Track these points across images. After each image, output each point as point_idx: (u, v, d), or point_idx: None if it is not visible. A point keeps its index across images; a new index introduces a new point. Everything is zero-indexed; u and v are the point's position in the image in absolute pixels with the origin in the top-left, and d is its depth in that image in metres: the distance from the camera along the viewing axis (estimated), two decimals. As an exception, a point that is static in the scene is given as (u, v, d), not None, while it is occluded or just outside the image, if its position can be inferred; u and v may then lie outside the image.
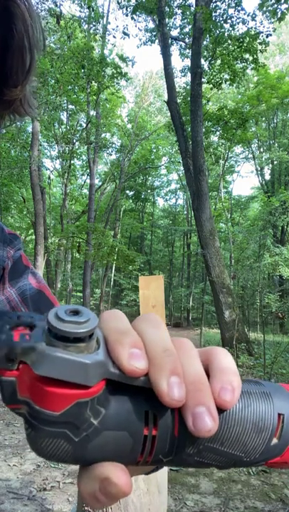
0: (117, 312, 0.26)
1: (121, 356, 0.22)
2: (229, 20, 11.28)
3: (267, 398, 0.25)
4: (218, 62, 12.17)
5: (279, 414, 0.25)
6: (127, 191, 27.02)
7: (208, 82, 12.37)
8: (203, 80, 11.04)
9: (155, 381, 0.22)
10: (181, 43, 13.88)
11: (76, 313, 0.21)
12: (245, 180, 62.37)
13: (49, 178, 21.60)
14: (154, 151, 26.13)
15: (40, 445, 0.21)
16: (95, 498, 0.22)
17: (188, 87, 13.33)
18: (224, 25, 11.30)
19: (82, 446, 0.21)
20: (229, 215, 22.77)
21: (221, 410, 0.23)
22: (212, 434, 0.21)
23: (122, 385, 0.22)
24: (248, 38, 10.93)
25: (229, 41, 11.34)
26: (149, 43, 14.50)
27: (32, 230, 20.02)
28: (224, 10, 11.20)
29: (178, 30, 14.00)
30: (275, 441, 0.25)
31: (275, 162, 22.78)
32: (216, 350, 0.26)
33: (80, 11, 12.92)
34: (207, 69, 12.17)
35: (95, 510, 1.33)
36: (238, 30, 11.35)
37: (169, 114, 13.44)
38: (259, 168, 24.36)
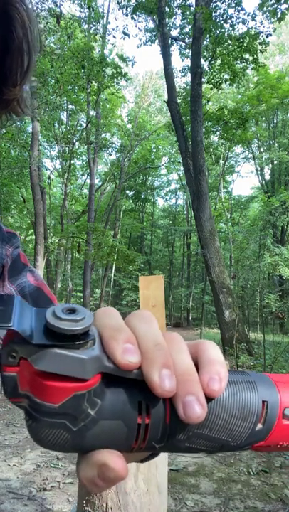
0: (111, 309, 0.28)
1: (115, 351, 0.23)
2: (229, 20, 11.28)
3: (252, 387, 0.26)
4: (218, 62, 12.17)
5: (263, 402, 0.26)
6: (127, 191, 27.02)
7: (208, 82, 12.37)
8: (203, 80, 11.04)
9: (147, 374, 0.23)
10: (181, 43, 13.88)
11: (72, 311, 0.23)
12: (245, 180, 62.42)
13: (49, 178, 21.59)
14: (154, 151, 26.12)
15: (41, 435, 0.22)
16: (94, 483, 0.24)
17: (188, 87, 13.33)
18: (224, 25, 11.30)
19: (80, 435, 0.22)
20: (229, 215, 22.76)
21: (209, 399, 0.24)
22: (201, 421, 0.23)
23: (117, 378, 0.23)
24: (248, 38, 10.93)
25: (229, 41, 11.34)
26: (149, 43, 14.50)
27: (32, 230, 20.02)
28: (224, 10, 11.20)
29: (178, 30, 14.01)
30: (259, 426, 0.26)
31: (275, 162, 22.78)
32: (204, 344, 0.27)
33: (80, 11, 12.91)
34: (207, 69, 12.16)
35: (94, 510, 1.33)
36: (238, 30, 11.35)
37: (169, 114, 13.44)
38: (259, 168, 24.36)
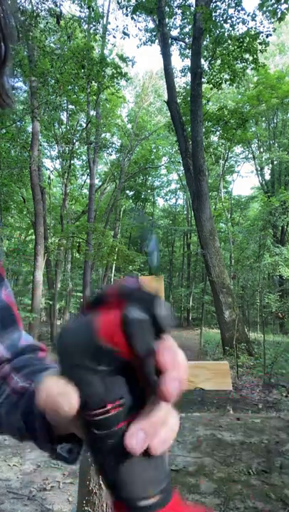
0: None
1: None
2: (229, 20, 11.27)
3: None
4: (218, 62, 12.16)
5: None
6: (127, 191, 27.01)
7: (208, 82, 12.37)
8: (203, 80, 11.04)
9: None
10: (181, 43, 13.88)
11: None
12: (245, 180, 62.40)
13: (49, 178, 21.57)
14: (154, 151, 26.12)
15: None
16: None
17: (188, 87, 13.33)
18: (224, 25, 11.30)
19: None
20: (229, 215, 22.76)
21: None
22: None
23: None
24: (248, 38, 10.92)
25: (229, 41, 11.33)
26: (149, 43, 14.50)
27: (32, 230, 20.00)
28: (224, 10, 11.20)
29: (178, 30, 14.01)
30: None
31: (275, 162, 22.77)
32: None
33: (80, 11, 12.89)
34: (207, 69, 12.16)
35: (94, 510, 1.33)
36: (238, 30, 11.35)
37: (169, 114, 13.44)
38: (259, 168, 24.36)
